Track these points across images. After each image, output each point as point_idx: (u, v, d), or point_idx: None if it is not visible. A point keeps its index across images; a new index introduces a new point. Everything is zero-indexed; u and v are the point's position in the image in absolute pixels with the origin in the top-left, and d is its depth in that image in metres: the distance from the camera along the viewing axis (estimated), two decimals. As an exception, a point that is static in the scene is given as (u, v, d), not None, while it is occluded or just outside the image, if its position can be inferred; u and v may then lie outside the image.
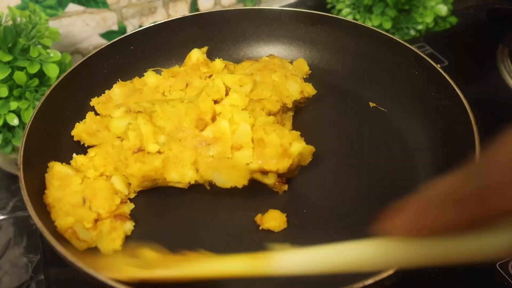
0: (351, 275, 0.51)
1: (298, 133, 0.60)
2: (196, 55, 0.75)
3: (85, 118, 0.67)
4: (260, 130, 0.58)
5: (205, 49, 0.78)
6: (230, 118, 0.59)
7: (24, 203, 0.52)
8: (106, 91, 0.71)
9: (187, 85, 0.71)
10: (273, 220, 0.57)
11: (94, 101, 0.69)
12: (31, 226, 0.73)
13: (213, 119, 0.60)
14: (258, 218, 0.58)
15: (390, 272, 0.44)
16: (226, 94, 0.63)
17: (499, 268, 0.58)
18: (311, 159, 0.61)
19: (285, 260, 0.38)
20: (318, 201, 0.60)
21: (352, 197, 0.61)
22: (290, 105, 0.67)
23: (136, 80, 0.73)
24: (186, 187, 0.61)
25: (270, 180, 0.59)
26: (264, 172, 0.58)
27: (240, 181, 0.58)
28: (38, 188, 0.57)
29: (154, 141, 0.58)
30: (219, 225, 0.58)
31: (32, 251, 0.70)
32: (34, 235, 0.72)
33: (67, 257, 0.47)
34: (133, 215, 0.59)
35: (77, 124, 0.66)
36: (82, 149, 0.66)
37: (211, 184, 0.62)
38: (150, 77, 0.72)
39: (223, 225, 0.58)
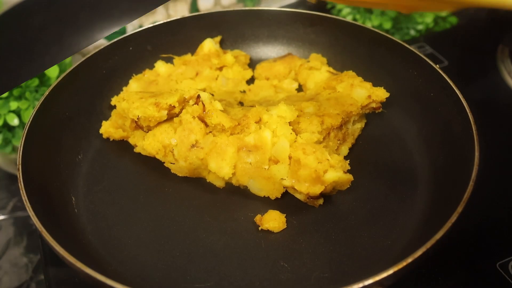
0: (350, 275, 0.51)
1: (341, 158, 0.57)
2: (208, 45, 0.75)
3: (84, 118, 0.68)
4: (299, 150, 0.56)
5: (218, 38, 0.78)
6: (274, 129, 0.58)
7: (24, 203, 0.52)
8: (124, 88, 0.72)
9: (197, 74, 0.71)
10: (273, 220, 0.57)
11: (114, 100, 0.70)
12: (31, 226, 0.73)
13: (259, 124, 0.59)
14: (257, 218, 0.58)
15: (390, 272, 0.45)
16: None
17: (499, 268, 0.58)
18: (349, 186, 0.59)
19: None
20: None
21: (351, 197, 0.61)
22: (356, 111, 0.64)
23: (147, 72, 0.74)
24: (222, 186, 0.62)
25: (301, 197, 0.58)
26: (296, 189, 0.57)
27: (273, 193, 0.59)
28: (38, 188, 0.56)
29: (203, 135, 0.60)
30: (219, 225, 0.58)
31: (32, 251, 0.70)
32: (34, 235, 0.72)
33: (67, 257, 0.47)
34: (132, 215, 0.60)
35: (103, 122, 0.68)
36: (82, 150, 0.66)
37: (212, 184, 0.62)
38: (161, 66, 0.73)
39: (223, 225, 0.58)
